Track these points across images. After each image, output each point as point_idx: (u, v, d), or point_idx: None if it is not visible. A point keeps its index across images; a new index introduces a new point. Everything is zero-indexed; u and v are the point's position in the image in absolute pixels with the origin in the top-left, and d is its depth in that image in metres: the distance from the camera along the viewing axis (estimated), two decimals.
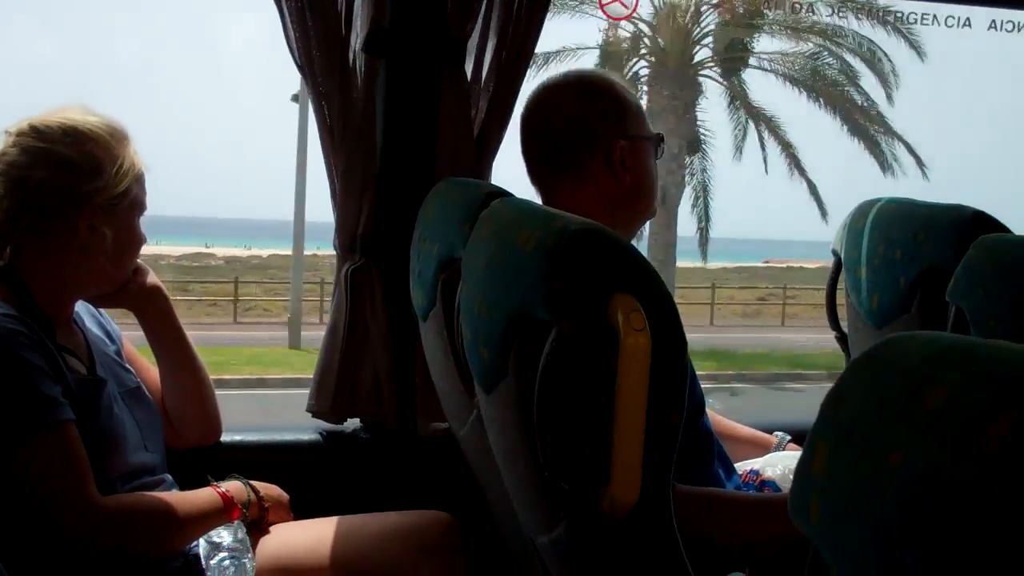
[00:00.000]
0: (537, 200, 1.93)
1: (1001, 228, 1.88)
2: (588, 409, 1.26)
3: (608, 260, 1.25)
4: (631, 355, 1.18)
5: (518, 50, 2.20)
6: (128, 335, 2.06)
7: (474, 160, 2.23)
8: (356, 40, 2.17)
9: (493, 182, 2.23)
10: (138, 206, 1.87)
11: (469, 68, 2.23)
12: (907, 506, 0.54)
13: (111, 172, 1.80)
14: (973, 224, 1.89)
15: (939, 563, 0.51)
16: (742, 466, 2.05)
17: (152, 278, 1.97)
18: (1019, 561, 0.46)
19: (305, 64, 2.14)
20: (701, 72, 20.30)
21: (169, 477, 1.93)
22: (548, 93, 1.92)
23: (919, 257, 2.00)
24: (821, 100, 19.67)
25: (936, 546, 0.51)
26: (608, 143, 1.86)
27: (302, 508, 2.04)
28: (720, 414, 2.26)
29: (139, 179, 1.86)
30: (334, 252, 2.29)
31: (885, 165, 20.00)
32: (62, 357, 1.75)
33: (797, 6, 18.32)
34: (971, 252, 1.73)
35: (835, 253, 2.32)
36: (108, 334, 1.97)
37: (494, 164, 2.30)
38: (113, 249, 1.83)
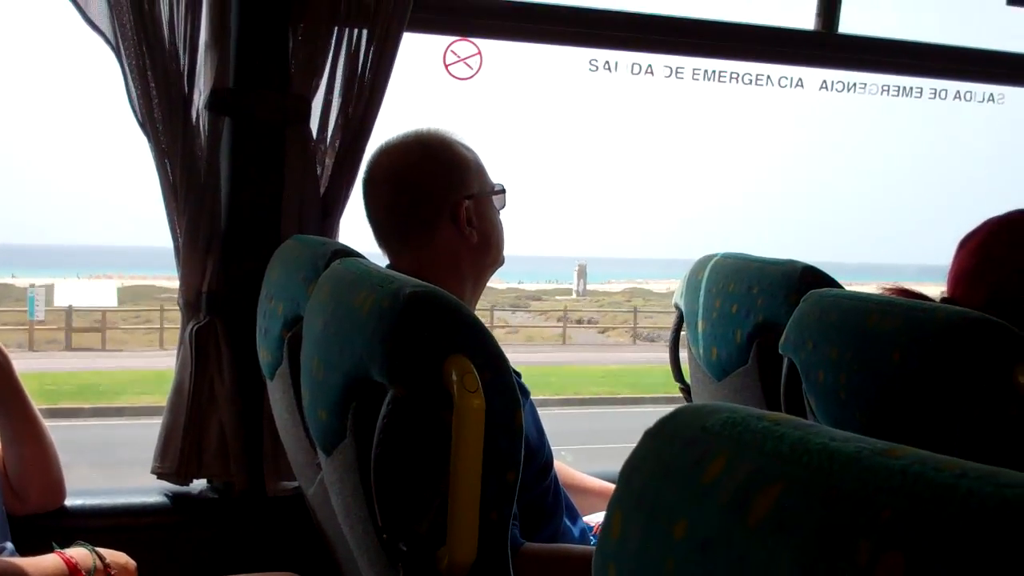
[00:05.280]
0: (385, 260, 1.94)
1: (830, 282, 1.95)
2: (424, 471, 1.27)
3: (441, 322, 1.26)
4: (465, 417, 1.20)
5: (364, 108, 2.21)
6: None
7: (320, 218, 2.22)
8: (199, 98, 2.15)
9: (344, 239, 2.23)
10: None
11: (315, 126, 2.22)
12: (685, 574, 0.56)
13: None
14: (803, 279, 1.96)
15: None
16: (593, 519, 2.07)
17: None
18: None
19: (146, 122, 2.10)
20: None
21: (10, 545, 1.87)
22: (387, 159, 1.92)
23: (754, 311, 2.06)
24: None
25: None
26: (453, 205, 1.87)
27: (150, 573, 1.99)
28: (570, 465, 2.28)
29: None
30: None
31: None
32: None
33: None
34: (800, 306, 1.79)
35: (677, 307, 2.38)
36: None
37: (345, 221, 2.30)
38: None
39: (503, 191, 1.97)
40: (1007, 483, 0.44)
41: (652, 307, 32.62)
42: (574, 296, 38.33)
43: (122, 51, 2.09)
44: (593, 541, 1.98)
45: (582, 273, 39.63)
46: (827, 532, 0.47)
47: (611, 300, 37.46)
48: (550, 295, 39.31)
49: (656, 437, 0.65)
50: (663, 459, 0.63)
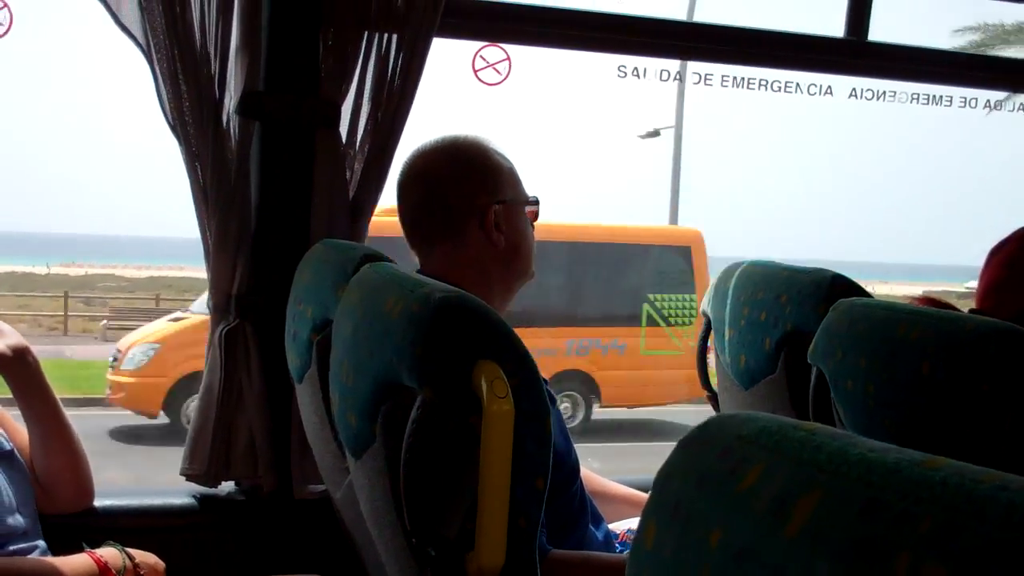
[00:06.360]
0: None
1: (859, 291, 1.95)
2: (453, 475, 1.27)
3: (472, 328, 1.26)
4: (494, 422, 1.20)
5: (393, 112, 2.22)
6: None
7: (349, 222, 2.23)
8: (230, 101, 2.17)
9: (373, 244, 2.23)
10: None
11: (344, 130, 2.23)
12: None
13: None
14: (832, 287, 1.96)
15: None
16: (619, 526, 2.07)
17: (18, 339, 1.92)
18: None
19: (177, 124, 2.12)
20: None
21: (42, 543, 1.88)
22: (422, 160, 1.93)
23: (783, 319, 2.05)
24: None
25: None
26: (483, 209, 1.88)
27: (178, 574, 2.00)
28: (594, 472, 2.28)
29: None
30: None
31: None
32: None
33: None
34: (830, 315, 1.79)
35: (704, 314, 2.37)
36: None
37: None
38: None
39: (536, 203, 1.98)
40: None
41: None
42: None
43: (153, 54, 2.10)
44: (618, 548, 1.97)
45: None
46: (866, 543, 0.47)
47: None
48: None
49: (690, 446, 0.65)
50: (698, 468, 0.63)
